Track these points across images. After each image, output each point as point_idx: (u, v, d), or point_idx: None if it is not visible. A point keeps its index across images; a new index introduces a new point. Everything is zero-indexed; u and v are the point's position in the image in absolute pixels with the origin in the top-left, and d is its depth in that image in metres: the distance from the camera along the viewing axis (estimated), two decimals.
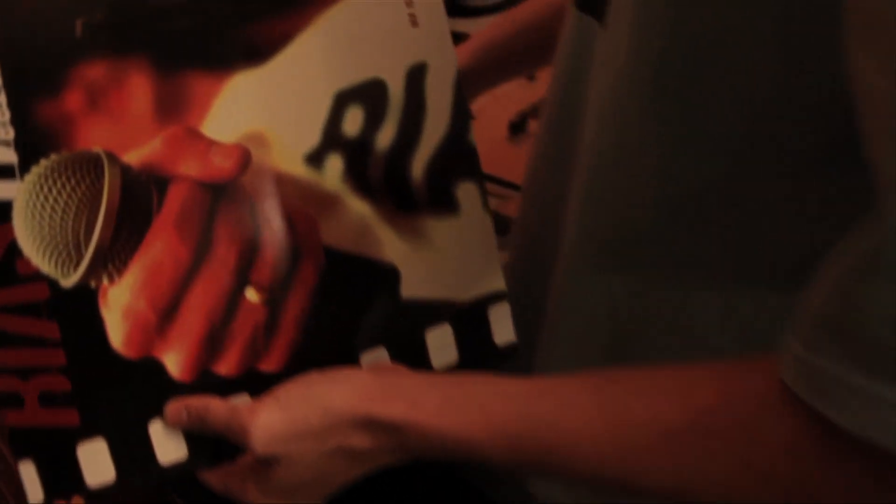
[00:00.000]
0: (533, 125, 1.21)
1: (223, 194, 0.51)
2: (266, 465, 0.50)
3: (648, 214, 0.51)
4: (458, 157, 0.57)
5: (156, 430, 0.52)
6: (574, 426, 0.45)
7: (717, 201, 0.49)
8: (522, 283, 0.65)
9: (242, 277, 0.52)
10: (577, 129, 0.56)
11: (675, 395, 0.43)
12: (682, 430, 0.42)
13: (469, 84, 0.87)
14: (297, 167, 0.53)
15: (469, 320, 0.58)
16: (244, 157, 0.51)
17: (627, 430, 0.43)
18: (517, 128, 1.22)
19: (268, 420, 0.50)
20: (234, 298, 0.52)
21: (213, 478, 0.53)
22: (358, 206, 0.54)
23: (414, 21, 0.54)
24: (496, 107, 1.21)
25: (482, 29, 1.40)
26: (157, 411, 0.52)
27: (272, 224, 0.52)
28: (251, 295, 0.52)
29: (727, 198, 0.48)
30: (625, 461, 0.44)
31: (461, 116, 0.56)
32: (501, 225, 1.02)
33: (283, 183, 0.53)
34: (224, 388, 0.53)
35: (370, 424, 0.49)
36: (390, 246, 0.55)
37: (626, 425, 0.44)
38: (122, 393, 0.51)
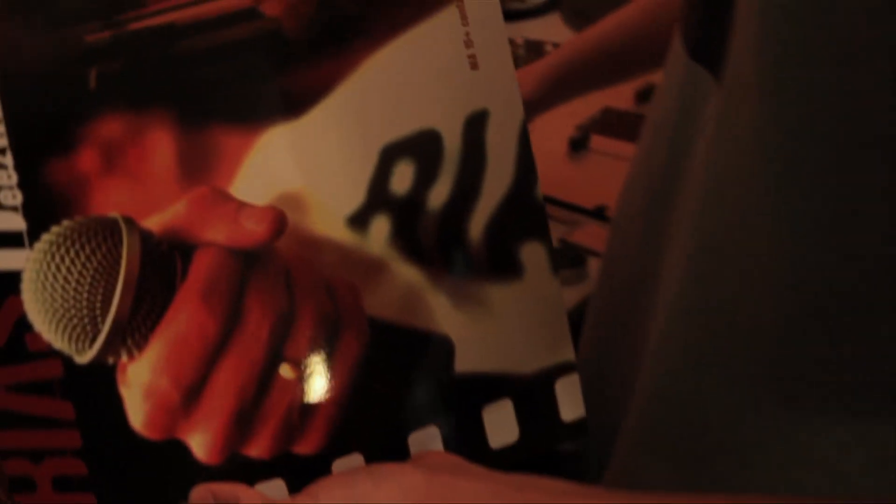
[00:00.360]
0: (595, 141, 1.11)
1: (255, 261, 0.45)
2: None
3: (764, 315, 0.42)
4: (523, 215, 0.49)
5: None
6: None
7: (855, 310, 0.39)
8: (606, 335, 0.58)
9: (276, 352, 0.45)
10: (682, 189, 0.48)
11: None
12: None
13: (539, 103, 0.79)
14: (338, 230, 0.46)
15: (533, 395, 0.50)
16: (278, 221, 0.45)
17: None
18: (579, 144, 1.10)
19: None
20: (266, 375, 0.45)
21: None
22: (407, 272, 0.48)
23: (474, 63, 0.47)
24: (551, 120, 1.10)
25: (524, 33, 1.33)
26: (182, 496, 0.46)
27: (310, 294, 0.46)
28: (286, 371, 0.46)
29: (868, 306, 0.39)
30: None
31: (527, 169, 0.48)
32: (572, 254, 0.94)
33: (323, 248, 0.46)
34: (255, 472, 0.46)
35: None
36: (443, 315, 0.48)
37: None
38: (143, 477, 0.46)
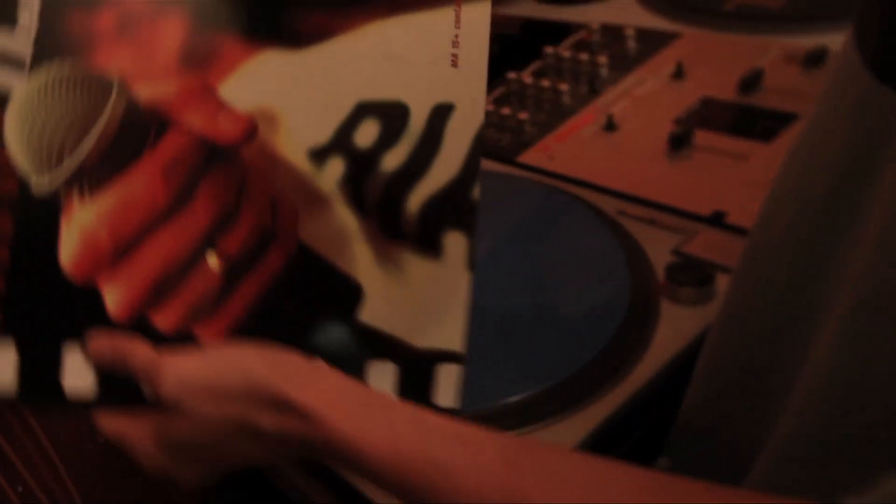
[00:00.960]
0: (700, 137, 0.90)
1: (218, 157, 0.48)
2: (168, 411, 0.45)
3: None
4: (457, 207, 0.53)
5: (71, 352, 0.47)
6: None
7: None
8: (729, 372, 0.52)
9: (210, 241, 0.48)
10: (854, 225, 0.42)
11: None
12: None
13: None
14: (298, 158, 0.50)
15: (415, 369, 0.53)
16: (250, 129, 0.48)
17: None
18: (680, 141, 0.89)
19: (185, 366, 0.46)
20: (194, 257, 0.48)
21: (111, 421, 0.48)
22: (344, 216, 0.51)
23: (454, 61, 0.52)
24: (641, 115, 0.93)
25: (598, 17, 1.15)
26: (78, 336, 0.48)
27: (256, 202, 0.49)
28: (212, 260, 0.48)
29: None
30: None
31: (471, 170, 0.52)
32: (696, 270, 0.70)
33: (280, 168, 0.49)
34: (153, 340, 0.48)
35: (281, 405, 0.43)
36: (364, 265, 0.51)
37: None
38: (51, 307, 0.47)
